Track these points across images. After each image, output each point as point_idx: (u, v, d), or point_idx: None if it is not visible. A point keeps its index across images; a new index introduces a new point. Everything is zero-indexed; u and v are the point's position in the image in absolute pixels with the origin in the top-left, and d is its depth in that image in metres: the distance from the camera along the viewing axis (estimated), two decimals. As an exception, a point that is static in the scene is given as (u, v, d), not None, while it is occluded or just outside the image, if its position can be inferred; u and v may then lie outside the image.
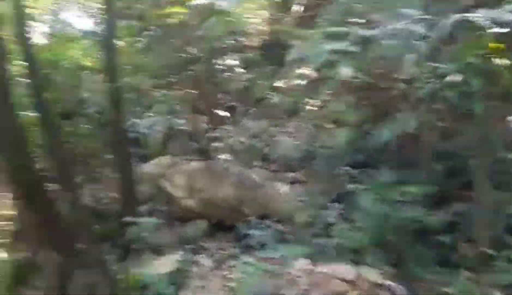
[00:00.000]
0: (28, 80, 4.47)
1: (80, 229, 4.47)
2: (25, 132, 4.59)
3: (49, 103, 4.37)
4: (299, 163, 5.97)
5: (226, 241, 4.87)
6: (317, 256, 3.75)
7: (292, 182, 5.73)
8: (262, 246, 4.48)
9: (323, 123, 6.43)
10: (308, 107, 6.82)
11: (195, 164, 5.37)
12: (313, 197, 5.04)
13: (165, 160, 6.09)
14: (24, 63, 4.42)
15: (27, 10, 4.55)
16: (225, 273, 4.25)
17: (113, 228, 4.97)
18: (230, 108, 8.34)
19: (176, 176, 5.23)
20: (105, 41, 5.10)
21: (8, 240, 6.65)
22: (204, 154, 6.60)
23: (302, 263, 3.39)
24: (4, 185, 6.13)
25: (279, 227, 4.68)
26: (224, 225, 5.01)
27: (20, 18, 4.08)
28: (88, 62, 5.79)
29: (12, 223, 6.51)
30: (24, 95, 4.65)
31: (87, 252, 4.43)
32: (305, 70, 7.46)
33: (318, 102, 6.63)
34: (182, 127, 6.89)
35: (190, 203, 5.09)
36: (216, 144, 7.18)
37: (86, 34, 5.98)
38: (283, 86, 7.81)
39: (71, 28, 7.62)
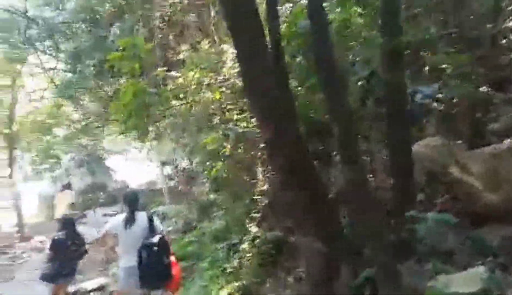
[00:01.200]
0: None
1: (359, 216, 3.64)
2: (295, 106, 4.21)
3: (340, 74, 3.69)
4: None
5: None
6: None
7: None
8: None
9: None
10: None
11: (497, 146, 3.93)
12: None
13: (434, 140, 4.84)
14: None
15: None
16: None
17: (384, 220, 4.04)
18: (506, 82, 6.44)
19: (470, 162, 3.92)
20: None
21: (259, 215, 6.55)
22: (479, 135, 5.07)
23: None
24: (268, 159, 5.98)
25: None
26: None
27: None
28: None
29: (264, 198, 6.39)
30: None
31: (360, 244, 3.62)
32: None
33: None
34: (451, 101, 5.48)
35: (493, 198, 3.71)
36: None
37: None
38: None
39: None
